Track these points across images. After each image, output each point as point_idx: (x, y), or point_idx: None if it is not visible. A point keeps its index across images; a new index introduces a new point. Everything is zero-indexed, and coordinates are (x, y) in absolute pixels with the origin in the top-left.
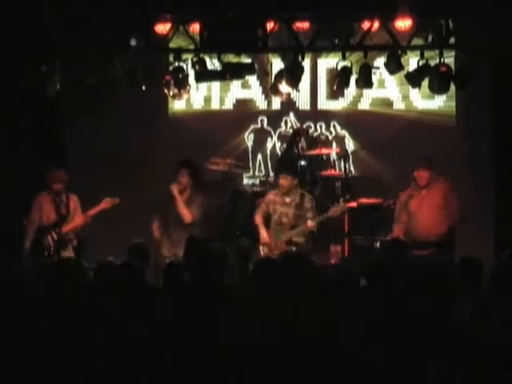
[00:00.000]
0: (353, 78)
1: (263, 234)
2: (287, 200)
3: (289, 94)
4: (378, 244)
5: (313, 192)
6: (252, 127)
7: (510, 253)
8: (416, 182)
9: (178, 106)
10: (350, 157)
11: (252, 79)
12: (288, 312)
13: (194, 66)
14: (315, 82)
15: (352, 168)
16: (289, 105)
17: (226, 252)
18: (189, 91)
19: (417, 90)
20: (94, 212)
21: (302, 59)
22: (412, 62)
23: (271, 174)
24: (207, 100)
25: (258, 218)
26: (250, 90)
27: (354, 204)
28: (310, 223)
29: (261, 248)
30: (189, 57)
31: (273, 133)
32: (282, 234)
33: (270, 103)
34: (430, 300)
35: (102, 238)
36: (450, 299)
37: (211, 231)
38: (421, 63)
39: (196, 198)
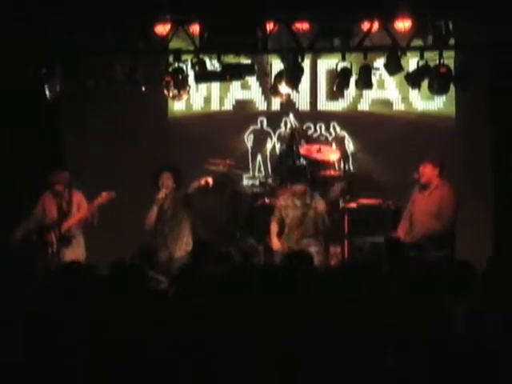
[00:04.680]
0: (352, 79)
1: (275, 241)
2: (297, 203)
3: (288, 95)
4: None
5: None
6: (252, 128)
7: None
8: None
9: (177, 106)
10: (350, 158)
11: (252, 80)
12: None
13: (193, 67)
14: (315, 82)
15: (352, 169)
16: (288, 106)
17: (231, 255)
18: (188, 92)
19: (416, 90)
20: (93, 205)
21: (302, 60)
22: (412, 62)
23: (271, 174)
24: (207, 101)
25: (273, 226)
26: (249, 90)
27: (353, 205)
28: (320, 205)
29: (275, 254)
30: (188, 58)
31: (272, 134)
32: (292, 236)
33: (269, 104)
34: (424, 302)
35: (103, 238)
36: (444, 301)
37: (212, 232)
38: (420, 64)
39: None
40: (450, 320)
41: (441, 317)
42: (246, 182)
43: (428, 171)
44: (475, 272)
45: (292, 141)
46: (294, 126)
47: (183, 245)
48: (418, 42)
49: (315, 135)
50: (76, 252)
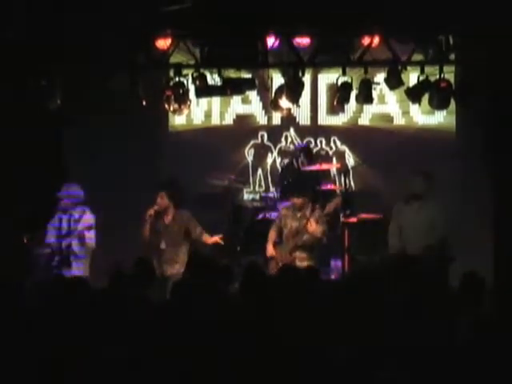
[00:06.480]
0: (353, 94)
1: (269, 248)
2: (298, 214)
3: (289, 110)
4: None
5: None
6: (252, 142)
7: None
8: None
9: (178, 121)
10: (351, 172)
11: (252, 94)
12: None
13: (194, 82)
14: (315, 97)
15: (352, 183)
16: (289, 120)
17: (230, 268)
18: (189, 106)
19: (417, 105)
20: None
21: (303, 74)
22: (412, 77)
23: (271, 189)
24: (207, 115)
25: (272, 234)
26: (250, 105)
27: (353, 219)
28: (310, 226)
29: (269, 263)
30: (189, 72)
31: (273, 148)
32: (287, 245)
33: (270, 118)
34: (430, 316)
35: (103, 249)
36: (450, 314)
37: (212, 247)
38: (421, 79)
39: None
40: (454, 333)
41: (445, 330)
42: (246, 196)
43: (418, 184)
44: (483, 284)
45: (293, 156)
46: (294, 140)
47: (177, 265)
48: (418, 57)
49: (316, 149)
50: (75, 270)
